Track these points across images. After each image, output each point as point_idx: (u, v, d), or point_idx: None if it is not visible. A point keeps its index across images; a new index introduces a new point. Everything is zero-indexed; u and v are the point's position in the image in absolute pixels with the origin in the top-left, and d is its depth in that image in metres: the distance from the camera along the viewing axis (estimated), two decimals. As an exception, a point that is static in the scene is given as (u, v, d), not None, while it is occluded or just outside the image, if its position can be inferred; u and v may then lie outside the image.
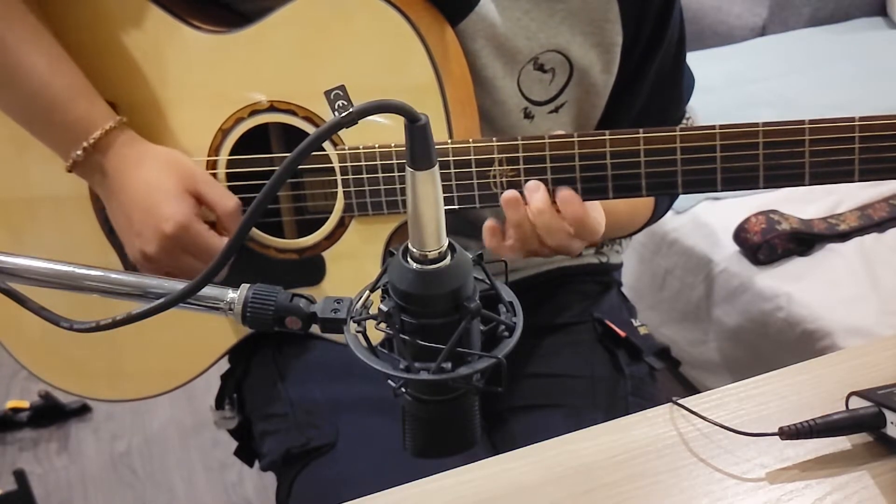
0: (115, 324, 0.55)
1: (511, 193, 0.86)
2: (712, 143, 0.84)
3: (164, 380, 1.08)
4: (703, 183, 0.86)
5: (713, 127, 0.84)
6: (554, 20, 0.96)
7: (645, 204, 1.09)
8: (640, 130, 0.85)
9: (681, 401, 0.78)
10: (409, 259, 0.52)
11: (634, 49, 1.00)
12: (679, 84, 1.08)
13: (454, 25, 0.93)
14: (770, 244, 1.61)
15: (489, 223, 0.88)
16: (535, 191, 0.86)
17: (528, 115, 0.99)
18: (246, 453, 1.15)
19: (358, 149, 0.90)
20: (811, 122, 0.82)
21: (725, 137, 0.84)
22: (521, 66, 0.97)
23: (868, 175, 0.83)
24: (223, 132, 0.95)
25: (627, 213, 1.07)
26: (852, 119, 0.82)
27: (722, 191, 0.86)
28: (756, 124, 0.84)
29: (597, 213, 0.89)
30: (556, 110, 1.00)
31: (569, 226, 0.87)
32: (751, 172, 0.85)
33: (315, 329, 0.59)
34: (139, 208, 0.90)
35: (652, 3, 0.99)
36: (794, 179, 0.84)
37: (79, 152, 0.90)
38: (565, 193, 0.86)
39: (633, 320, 1.13)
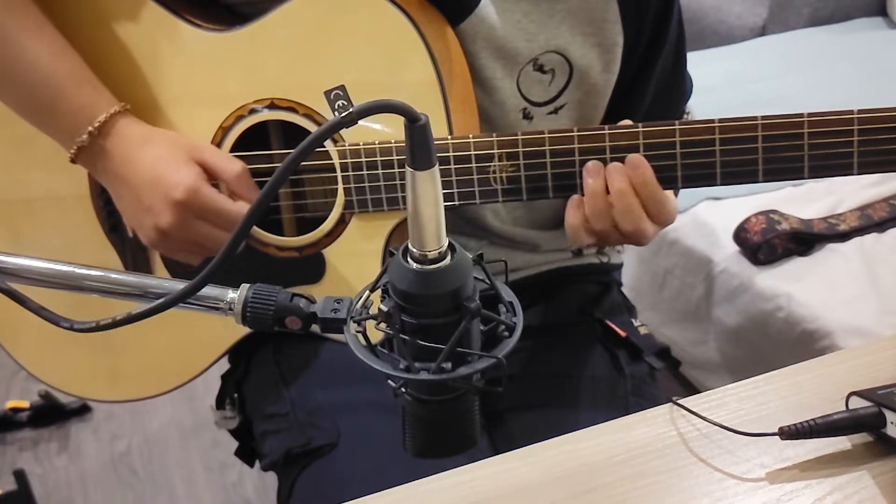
0: (115, 324, 0.55)
1: (595, 185, 0.86)
2: (711, 137, 0.84)
3: (164, 380, 1.08)
4: (702, 177, 0.86)
5: (712, 121, 0.85)
6: (554, 21, 0.96)
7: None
8: (640, 125, 0.86)
9: (681, 401, 0.78)
10: (409, 259, 0.52)
11: (636, 49, 1.00)
12: (680, 83, 1.08)
13: (454, 27, 0.93)
14: (770, 244, 1.61)
15: (574, 197, 0.88)
16: (619, 173, 0.86)
17: (526, 116, 0.99)
18: (246, 453, 1.15)
19: (358, 145, 0.90)
20: (810, 115, 0.83)
21: (725, 131, 0.84)
22: (521, 67, 0.97)
23: (867, 168, 0.83)
24: (224, 130, 0.95)
25: None
26: (851, 112, 0.82)
27: (721, 184, 0.86)
28: (755, 118, 0.84)
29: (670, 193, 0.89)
30: (555, 111, 1.00)
31: (645, 207, 0.87)
32: (750, 166, 0.85)
33: (315, 329, 0.59)
34: (147, 183, 0.90)
35: (651, 2, 0.99)
36: (794, 173, 0.85)
37: (84, 136, 0.90)
38: (635, 160, 0.86)
39: (633, 320, 1.13)
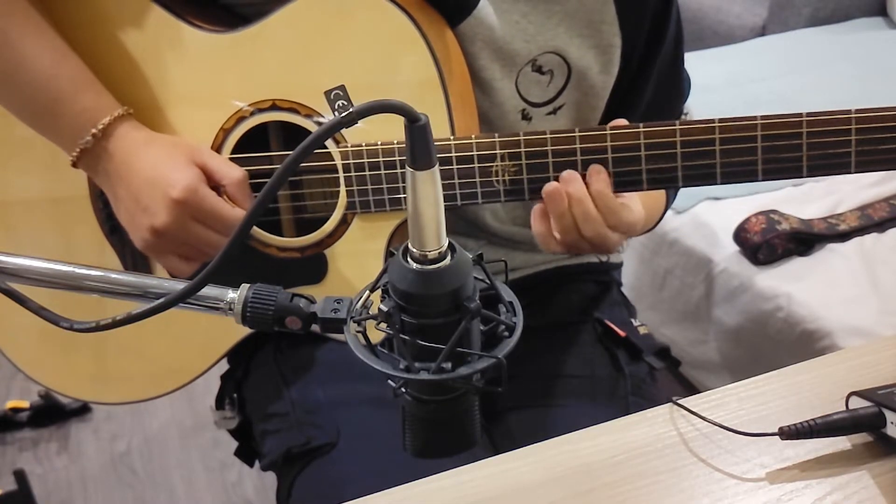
0: (115, 324, 0.55)
1: (553, 185, 0.86)
2: (712, 137, 0.85)
3: (163, 382, 1.07)
4: (703, 176, 0.86)
5: (713, 121, 0.85)
6: (551, 22, 0.96)
7: (660, 196, 1.09)
8: (641, 125, 0.86)
9: (681, 401, 0.78)
10: (409, 259, 0.52)
11: (635, 50, 1.00)
12: (678, 83, 1.08)
13: (452, 28, 0.93)
14: (770, 244, 1.61)
15: (538, 206, 0.89)
16: (573, 180, 0.86)
17: (525, 117, 0.99)
18: (246, 453, 1.15)
19: (360, 146, 0.90)
20: (808, 114, 0.83)
21: (724, 131, 0.85)
22: (520, 68, 0.97)
23: (864, 167, 0.84)
24: (225, 131, 0.95)
25: (652, 206, 1.06)
26: (849, 111, 0.83)
27: (721, 183, 0.87)
28: (754, 117, 0.85)
29: (632, 202, 0.89)
30: (553, 112, 1.00)
31: (604, 215, 0.87)
32: (750, 165, 0.85)
33: (315, 329, 0.59)
34: (146, 183, 0.90)
35: (648, 4, 0.99)
36: (793, 172, 0.85)
37: (87, 138, 0.90)
38: (596, 175, 0.86)
39: (633, 320, 1.13)
